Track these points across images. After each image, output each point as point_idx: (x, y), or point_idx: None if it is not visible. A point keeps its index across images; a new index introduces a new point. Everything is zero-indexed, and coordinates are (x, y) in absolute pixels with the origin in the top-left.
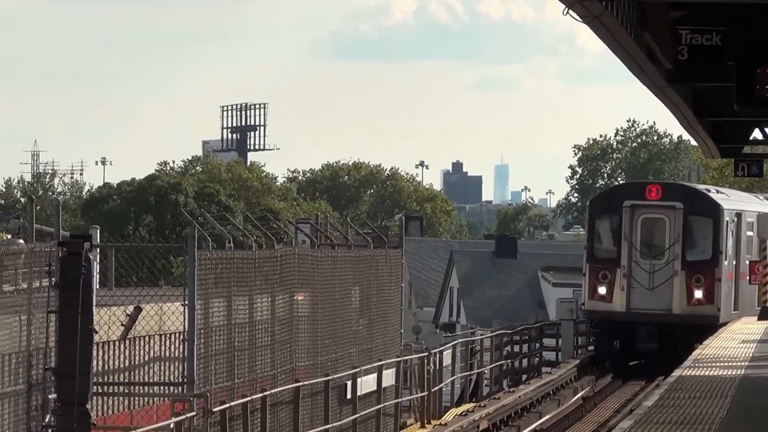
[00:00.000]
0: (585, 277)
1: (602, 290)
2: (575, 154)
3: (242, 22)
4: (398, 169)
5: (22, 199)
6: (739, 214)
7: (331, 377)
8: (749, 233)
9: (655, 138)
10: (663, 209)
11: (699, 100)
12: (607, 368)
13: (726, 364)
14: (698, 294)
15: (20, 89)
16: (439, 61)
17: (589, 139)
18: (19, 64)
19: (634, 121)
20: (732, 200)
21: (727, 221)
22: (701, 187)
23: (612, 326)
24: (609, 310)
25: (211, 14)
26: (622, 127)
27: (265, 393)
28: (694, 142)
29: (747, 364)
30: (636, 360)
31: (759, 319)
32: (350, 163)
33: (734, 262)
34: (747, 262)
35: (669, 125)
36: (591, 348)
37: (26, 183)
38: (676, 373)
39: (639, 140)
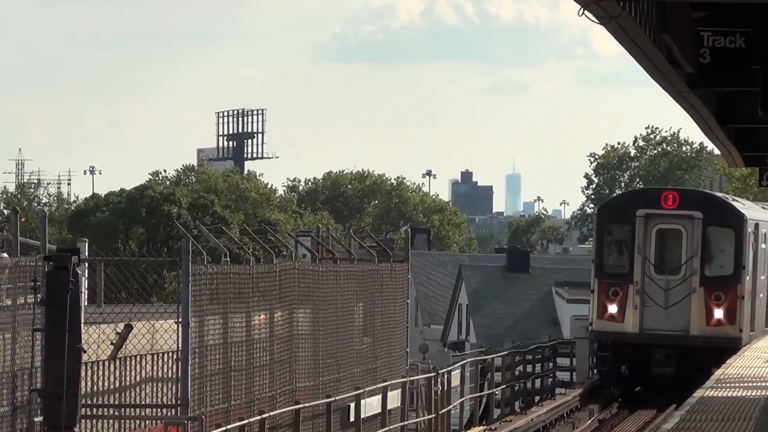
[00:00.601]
0: (593, 294)
1: (613, 309)
2: (591, 163)
3: (239, 23)
4: (404, 178)
5: (5, 211)
6: (757, 225)
7: (333, 399)
8: (763, 246)
9: (676, 146)
10: (680, 219)
11: (722, 105)
12: (615, 396)
13: (750, 384)
14: (718, 313)
15: (2, 94)
16: (447, 64)
17: (606, 145)
18: (1, 67)
19: (654, 128)
20: (750, 210)
21: (750, 233)
22: (720, 194)
23: (623, 349)
24: (620, 330)
25: (206, 15)
26: (641, 134)
27: (264, 416)
28: (716, 151)
29: None
30: (650, 386)
31: None
32: (353, 173)
33: (751, 278)
34: (763, 278)
35: (691, 132)
36: (597, 372)
37: (10, 194)
38: (698, 393)
39: (659, 148)
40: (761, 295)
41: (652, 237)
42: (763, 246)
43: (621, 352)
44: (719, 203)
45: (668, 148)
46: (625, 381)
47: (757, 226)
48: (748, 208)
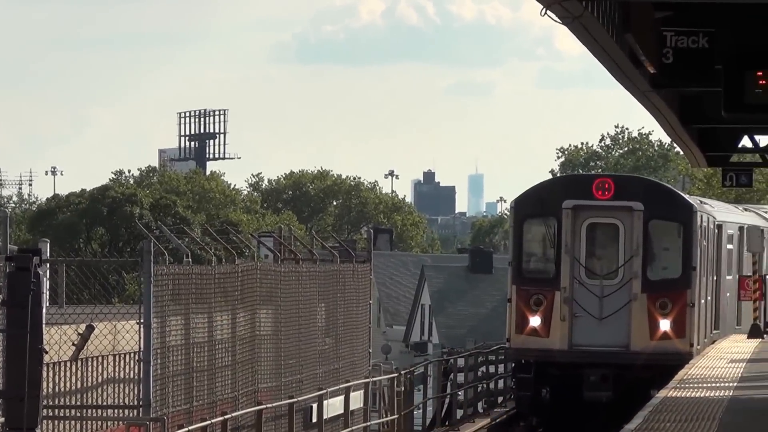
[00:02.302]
0: (510, 303)
1: (535, 321)
2: (558, 157)
3: (200, 24)
4: (360, 178)
5: None
6: (719, 225)
7: (295, 399)
8: (729, 246)
9: (646, 147)
10: (616, 211)
11: (685, 105)
12: (534, 427)
13: (713, 384)
14: (664, 325)
15: None
16: (409, 65)
17: (570, 145)
18: None
19: (623, 128)
20: (708, 206)
21: (703, 227)
22: (664, 183)
23: (549, 369)
24: (545, 347)
25: (168, 16)
26: (609, 133)
27: (226, 416)
28: (680, 151)
29: (736, 384)
30: (580, 414)
31: (749, 337)
32: (313, 173)
33: (714, 278)
34: (729, 278)
35: (661, 133)
36: (513, 398)
37: None
38: (661, 394)
39: (628, 147)
40: (728, 294)
41: (583, 233)
42: (730, 246)
43: (545, 374)
44: (663, 193)
45: (637, 146)
46: (548, 408)
47: (720, 226)
48: (706, 206)
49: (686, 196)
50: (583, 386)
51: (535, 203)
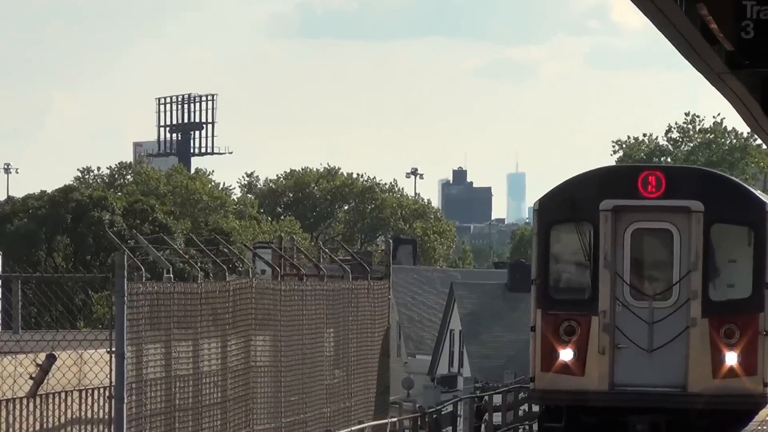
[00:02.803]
0: (534, 333)
1: (566, 355)
2: (614, 151)
3: None
4: (376, 178)
5: None
6: None
7: None
8: None
9: (722, 139)
10: (669, 213)
11: None
12: None
13: None
14: (731, 359)
15: None
16: (433, 40)
17: (629, 137)
18: None
19: (694, 116)
20: None
21: None
22: (728, 175)
23: (585, 417)
24: (579, 388)
25: None
26: (677, 123)
27: None
28: (764, 145)
29: None
30: None
31: None
32: (319, 171)
33: None
34: None
35: (732, 120)
36: None
37: None
38: None
39: (700, 138)
40: None
41: (626, 242)
42: None
43: (580, 422)
44: (729, 188)
45: (711, 137)
46: None
47: None
48: None
49: (759, 193)
50: None
51: (565, 204)
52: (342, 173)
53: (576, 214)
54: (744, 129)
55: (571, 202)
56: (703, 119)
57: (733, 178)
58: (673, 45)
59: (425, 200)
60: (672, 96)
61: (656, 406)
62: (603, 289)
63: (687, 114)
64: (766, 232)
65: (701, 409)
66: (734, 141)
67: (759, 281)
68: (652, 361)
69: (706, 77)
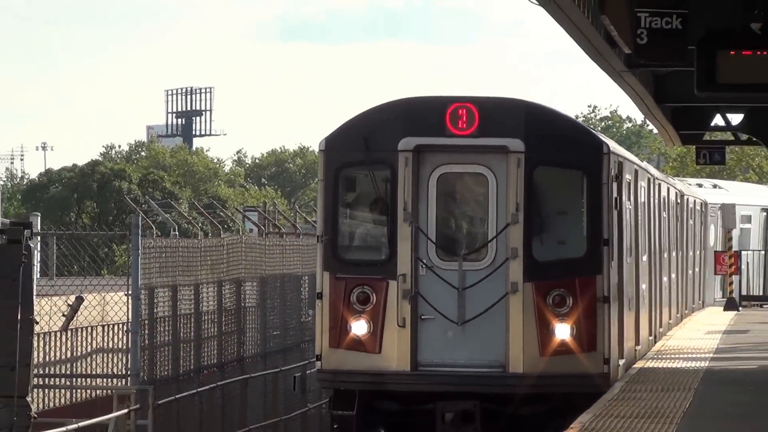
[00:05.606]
0: (320, 300)
1: (359, 328)
2: None
3: (183, 2)
4: None
5: None
6: (682, 193)
7: (279, 369)
8: (691, 222)
9: (618, 124)
10: (484, 154)
11: (659, 85)
12: None
13: (690, 356)
14: (562, 331)
15: None
16: (387, 43)
17: None
18: None
19: (595, 107)
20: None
21: (627, 180)
22: (557, 109)
23: (382, 404)
24: (374, 369)
25: None
26: (582, 113)
27: (212, 385)
28: (654, 130)
29: (711, 356)
30: None
31: (725, 310)
32: (294, 150)
33: (634, 260)
34: (692, 254)
35: (631, 110)
36: None
37: None
38: (638, 365)
39: (601, 125)
40: (692, 272)
41: (432, 191)
42: (691, 222)
43: (376, 410)
44: (556, 124)
45: (611, 124)
46: None
47: (683, 195)
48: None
49: (597, 132)
50: (435, 429)
51: (357, 143)
52: (313, 152)
53: (370, 155)
54: (639, 117)
55: (364, 141)
56: (601, 110)
57: (563, 112)
58: (581, 48)
59: None
60: (576, 90)
61: (469, 391)
62: (402, 248)
63: (589, 105)
64: (603, 178)
65: (527, 393)
66: (630, 126)
67: (595, 237)
68: (464, 335)
69: (609, 75)
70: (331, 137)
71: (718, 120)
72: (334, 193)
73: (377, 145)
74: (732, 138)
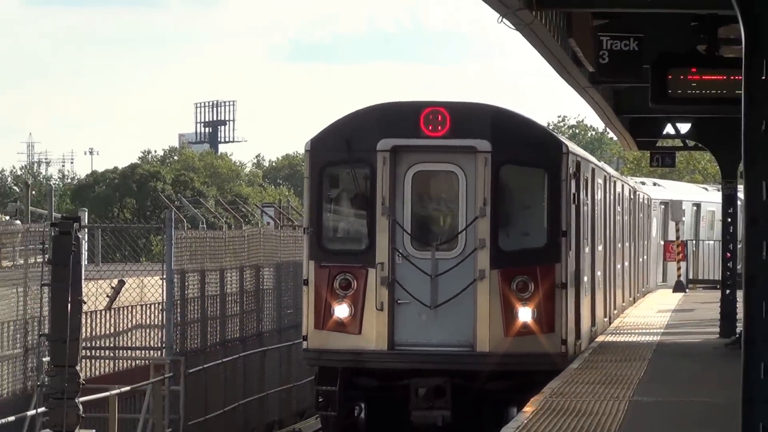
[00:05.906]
0: (307, 287)
1: (341, 311)
2: None
3: (209, 28)
4: None
5: (14, 187)
6: (615, 182)
7: (292, 342)
8: (640, 215)
9: (583, 132)
10: (453, 154)
11: (618, 99)
12: None
13: (644, 331)
14: (524, 314)
15: (15, 85)
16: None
17: None
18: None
19: (564, 117)
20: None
21: (585, 177)
22: (521, 113)
23: (362, 380)
24: (355, 348)
25: (181, 19)
26: (553, 122)
27: (235, 356)
28: (615, 137)
29: (663, 331)
30: None
31: (674, 291)
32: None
33: (590, 250)
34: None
35: (594, 120)
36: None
37: (26, 168)
38: (599, 339)
39: (569, 132)
40: (641, 259)
41: (407, 187)
42: (641, 215)
43: (357, 385)
44: (520, 127)
45: (575, 131)
46: None
47: (623, 185)
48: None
49: (555, 133)
50: (410, 402)
51: (340, 144)
52: None
53: (352, 155)
54: (601, 126)
55: (346, 142)
56: (569, 119)
57: (527, 116)
58: (552, 67)
59: None
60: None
61: (440, 368)
62: (381, 239)
63: (559, 115)
64: (563, 175)
65: (492, 370)
66: (593, 134)
67: (555, 229)
68: (437, 318)
69: (575, 89)
70: (316, 139)
71: (669, 129)
72: (319, 189)
73: (358, 146)
74: (681, 144)
